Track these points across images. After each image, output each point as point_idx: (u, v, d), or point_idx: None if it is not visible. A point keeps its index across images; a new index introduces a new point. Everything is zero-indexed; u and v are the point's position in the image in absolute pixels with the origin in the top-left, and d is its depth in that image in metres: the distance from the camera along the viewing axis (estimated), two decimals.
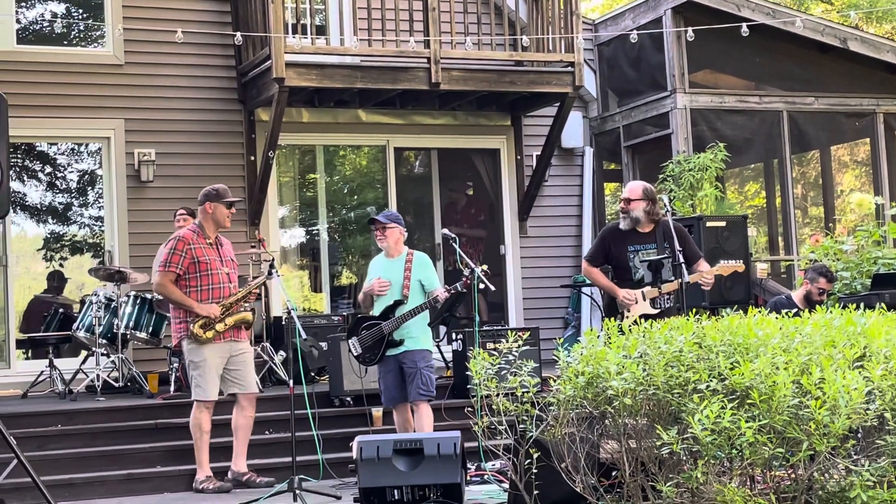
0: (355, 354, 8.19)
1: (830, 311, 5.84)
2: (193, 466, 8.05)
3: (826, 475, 4.99)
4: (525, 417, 5.81)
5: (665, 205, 8.48)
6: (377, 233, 8.19)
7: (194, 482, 7.99)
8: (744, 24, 10.73)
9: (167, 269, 7.88)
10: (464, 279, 8.03)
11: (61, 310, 10.63)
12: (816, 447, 4.72)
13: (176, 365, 9.51)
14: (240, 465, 8.06)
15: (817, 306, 8.42)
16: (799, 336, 5.29)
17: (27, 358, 11.05)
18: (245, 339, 8.18)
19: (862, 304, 6.81)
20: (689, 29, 11.01)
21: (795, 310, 7.03)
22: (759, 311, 5.83)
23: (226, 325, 7.93)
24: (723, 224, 10.44)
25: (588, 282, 9.83)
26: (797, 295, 9.53)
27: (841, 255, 10.82)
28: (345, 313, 11.68)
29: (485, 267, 8.13)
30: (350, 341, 8.20)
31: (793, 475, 5.09)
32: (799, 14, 13.22)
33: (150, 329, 9.85)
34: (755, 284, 11.51)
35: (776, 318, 5.75)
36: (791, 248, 12.94)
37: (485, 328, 9.70)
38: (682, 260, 7.62)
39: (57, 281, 11.51)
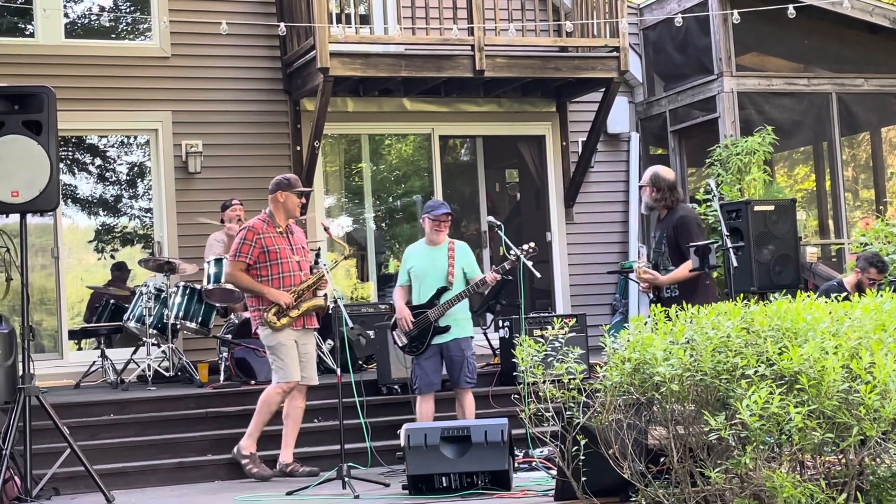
0: (400, 345, 8.22)
1: (881, 295, 5.77)
2: (264, 452, 8.13)
3: (877, 460, 4.95)
4: (572, 404, 5.79)
5: (712, 189, 8.45)
6: (440, 224, 8.20)
7: (237, 448, 8.04)
8: (790, 6, 10.60)
9: (237, 259, 7.95)
10: (510, 259, 8.04)
11: (112, 301, 10.74)
12: (867, 432, 4.68)
13: (225, 354, 9.60)
14: (286, 456, 8.07)
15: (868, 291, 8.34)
16: (848, 320, 5.24)
17: (79, 348, 11.18)
18: (315, 327, 8.27)
19: None
20: (735, 11, 10.90)
21: (846, 295, 6.96)
22: (809, 296, 5.78)
23: (300, 311, 7.98)
24: (771, 208, 10.33)
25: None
26: (849, 281, 9.43)
27: (892, 237, 10.68)
28: (392, 302, 11.71)
29: (532, 244, 8.13)
30: (395, 332, 8.24)
31: (843, 460, 5.04)
32: None
33: (200, 319, 9.93)
34: (805, 268, 11.39)
35: (826, 302, 5.70)
36: (841, 231, 12.80)
37: (531, 315, 9.69)
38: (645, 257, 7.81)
39: (120, 271, 11.55)
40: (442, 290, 8.07)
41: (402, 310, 8.19)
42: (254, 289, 7.96)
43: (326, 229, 8.68)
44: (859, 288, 9.17)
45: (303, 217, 10.95)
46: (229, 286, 9.07)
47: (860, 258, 9.49)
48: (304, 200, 8.21)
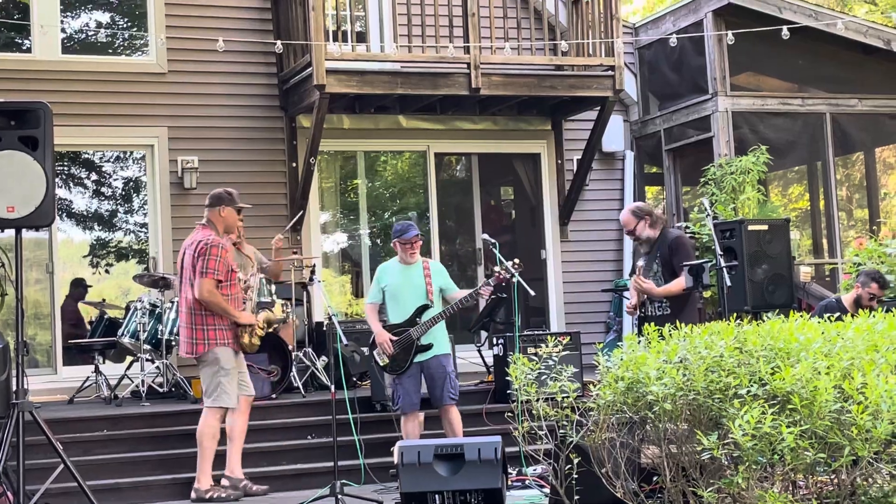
0: (381, 364, 8.23)
1: (873, 315, 5.80)
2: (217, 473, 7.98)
3: (869, 480, 4.96)
4: (565, 422, 5.81)
5: (706, 207, 8.57)
6: (411, 246, 8.22)
7: (195, 491, 7.80)
8: (785, 27, 10.66)
9: (214, 276, 7.78)
10: (496, 274, 8.05)
11: (106, 316, 10.74)
12: (859, 452, 4.70)
13: None
14: (237, 471, 7.93)
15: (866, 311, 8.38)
16: (841, 340, 5.26)
17: (72, 364, 11.17)
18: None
19: None
20: (730, 32, 10.96)
21: (844, 314, 7.01)
22: (801, 315, 5.80)
23: (262, 332, 8.01)
24: (765, 227, 10.37)
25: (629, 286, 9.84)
26: (847, 298, 9.46)
27: (885, 258, 10.72)
28: (385, 318, 11.73)
29: (517, 260, 8.15)
30: (374, 352, 8.24)
31: (835, 480, 5.06)
32: (841, 15, 13.13)
33: None
34: (798, 288, 11.42)
35: (819, 322, 5.72)
36: (835, 251, 12.83)
37: (526, 333, 9.70)
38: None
39: (79, 287, 11.55)
40: (423, 308, 8.09)
41: (382, 333, 8.18)
42: (227, 311, 7.82)
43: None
44: (858, 303, 9.19)
45: (287, 234, 10.95)
46: None
47: (861, 273, 9.54)
48: (240, 218, 8.11)
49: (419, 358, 8.10)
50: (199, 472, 7.83)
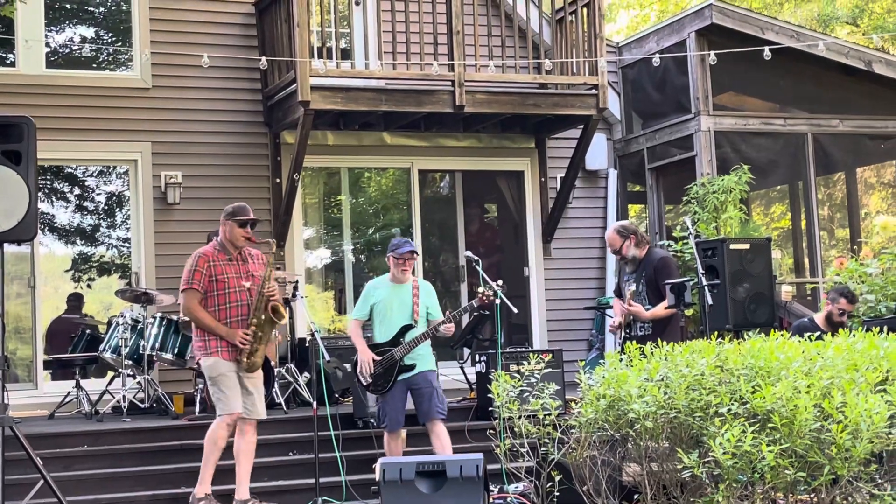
0: (364, 384, 8.20)
1: (853, 335, 5.83)
2: (219, 487, 7.82)
3: (849, 499, 4.98)
4: (547, 440, 5.83)
5: (688, 226, 8.64)
6: (404, 262, 8.21)
7: (192, 498, 7.72)
8: (767, 48, 10.73)
9: (192, 288, 7.69)
10: (478, 296, 8.06)
11: (88, 331, 10.71)
12: (838, 471, 4.72)
13: (201, 385, 9.56)
14: (242, 493, 7.75)
15: (840, 328, 8.46)
16: (821, 360, 5.30)
17: (54, 379, 11.12)
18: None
19: (886, 328, 6.79)
20: (713, 53, 11.03)
21: (819, 332, 7.06)
22: (782, 334, 5.83)
23: (262, 349, 7.73)
24: (747, 246, 10.40)
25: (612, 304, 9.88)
26: (819, 317, 9.53)
27: (866, 277, 10.78)
28: (369, 335, 11.72)
29: (500, 281, 8.16)
30: (357, 372, 8.20)
31: (815, 499, 5.08)
32: (823, 37, 13.22)
33: (176, 350, 9.91)
34: (780, 307, 11.47)
35: (798, 341, 5.75)
36: (816, 270, 12.90)
37: (508, 350, 9.72)
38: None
39: (76, 301, 11.54)
40: (406, 329, 8.08)
41: (366, 352, 8.16)
42: (209, 325, 7.67)
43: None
44: (829, 321, 9.29)
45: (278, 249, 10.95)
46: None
47: (830, 290, 9.62)
48: (247, 230, 7.83)
49: (403, 376, 8.09)
50: (199, 478, 7.72)
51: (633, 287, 8.24)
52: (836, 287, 9.71)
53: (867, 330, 6.04)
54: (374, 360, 8.07)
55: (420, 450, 8.41)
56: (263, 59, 10.58)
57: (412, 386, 8.09)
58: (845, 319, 9.31)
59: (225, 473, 7.89)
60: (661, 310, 8.06)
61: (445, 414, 8.15)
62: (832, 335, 6.12)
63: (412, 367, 8.04)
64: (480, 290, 8.10)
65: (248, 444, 7.76)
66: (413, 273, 8.42)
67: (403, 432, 8.31)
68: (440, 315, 8.25)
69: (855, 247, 13.36)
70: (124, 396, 9.74)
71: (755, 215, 15.10)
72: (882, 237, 14.27)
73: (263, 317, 7.69)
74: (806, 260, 13.48)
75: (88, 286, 11.76)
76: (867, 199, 16.83)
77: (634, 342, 6.03)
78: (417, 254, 8.34)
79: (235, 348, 7.65)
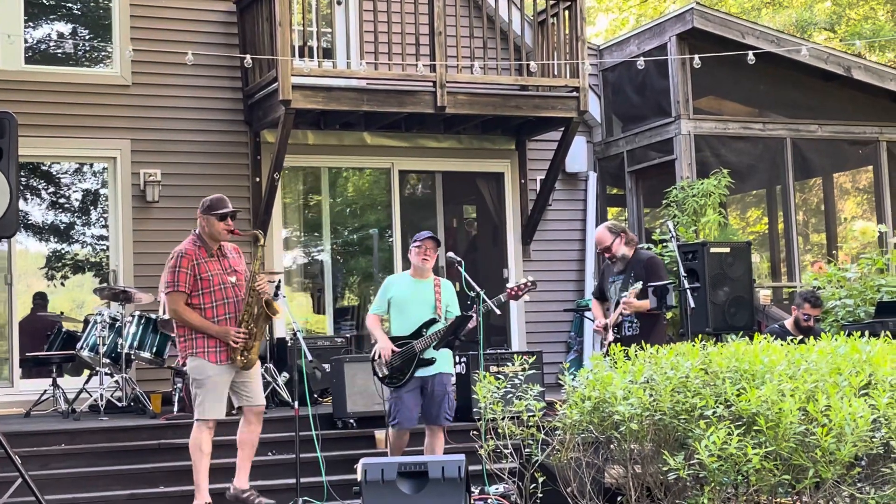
0: (380, 376, 7.94)
1: (835, 339, 5.86)
2: (212, 486, 7.63)
3: (832, 502, 5.00)
4: (530, 441, 5.82)
5: (670, 230, 8.65)
6: (426, 251, 7.99)
7: None
8: (750, 52, 10.78)
9: (178, 290, 7.44)
10: (507, 290, 8.01)
11: (64, 329, 10.63)
12: (822, 474, 4.74)
13: (179, 385, 9.52)
14: (242, 482, 7.64)
15: (809, 333, 8.52)
16: (805, 363, 5.32)
17: (28, 377, 11.02)
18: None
19: (866, 332, 6.82)
20: (695, 56, 11.06)
21: (790, 337, 7.12)
22: (765, 338, 5.86)
23: (257, 346, 7.55)
24: (727, 250, 10.45)
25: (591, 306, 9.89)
26: (789, 322, 9.62)
27: (844, 282, 10.85)
28: (348, 335, 11.70)
29: (526, 280, 8.16)
30: (374, 363, 7.96)
31: (798, 502, 5.10)
32: (804, 42, 13.28)
33: (154, 349, 9.86)
34: (758, 310, 11.52)
35: (782, 345, 5.78)
36: (794, 274, 12.96)
37: (489, 351, 9.71)
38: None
39: (41, 299, 11.45)
40: (430, 322, 7.88)
41: (385, 340, 7.90)
42: (200, 326, 7.43)
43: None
44: (797, 326, 9.36)
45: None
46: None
47: (796, 296, 9.69)
48: (229, 223, 7.56)
49: (420, 372, 7.83)
50: (195, 488, 7.50)
51: (636, 285, 8.08)
52: (800, 292, 9.79)
53: (848, 334, 6.06)
54: (392, 351, 7.89)
55: (412, 450, 8.34)
56: (247, 57, 10.55)
57: (427, 387, 7.86)
58: (812, 324, 9.35)
59: (215, 473, 7.75)
60: (645, 304, 8.02)
61: (451, 419, 7.95)
62: (802, 340, 6.18)
63: (431, 361, 7.79)
64: (511, 284, 8.04)
65: (251, 433, 7.64)
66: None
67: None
68: (458, 314, 7.98)
69: (833, 251, 13.44)
70: (102, 395, 9.68)
71: (732, 219, 15.16)
72: (860, 242, 14.36)
73: (257, 311, 7.51)
74: (783, 264, 13.55)
75: (62, 283, 11.67)
76: (843, 204, 16.93)
77: (619, 344, 6.03)
78: (439, 242, 8.07)
79: (225, 348, 7.45)
